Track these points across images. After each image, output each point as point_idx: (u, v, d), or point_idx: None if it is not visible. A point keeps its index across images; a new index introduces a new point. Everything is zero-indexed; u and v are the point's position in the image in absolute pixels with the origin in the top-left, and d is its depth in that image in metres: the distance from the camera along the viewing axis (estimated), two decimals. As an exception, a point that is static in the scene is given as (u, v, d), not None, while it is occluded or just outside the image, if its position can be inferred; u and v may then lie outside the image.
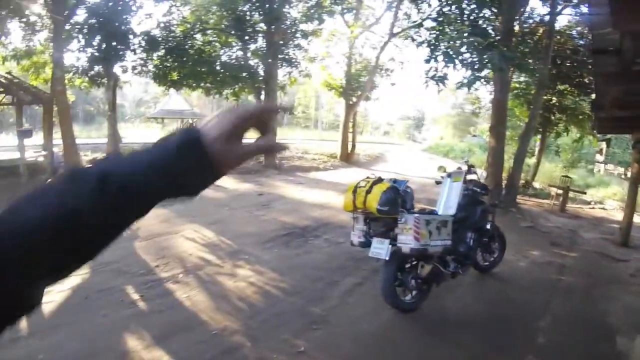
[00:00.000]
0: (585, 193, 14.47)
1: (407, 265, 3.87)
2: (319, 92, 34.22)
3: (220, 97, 15.43)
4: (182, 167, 0.50)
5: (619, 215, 11.12)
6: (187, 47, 12.93)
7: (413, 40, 11.88)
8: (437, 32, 8.40)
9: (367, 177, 3.96)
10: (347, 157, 17.34)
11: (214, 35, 14.02)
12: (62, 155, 9.41)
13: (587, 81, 12.31)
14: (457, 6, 8.29)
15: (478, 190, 4.74)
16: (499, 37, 8.26)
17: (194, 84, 13.51)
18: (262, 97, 13.74)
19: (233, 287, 4.25)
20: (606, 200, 14.56)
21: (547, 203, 12.03)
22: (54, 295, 3.77)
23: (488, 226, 4.88)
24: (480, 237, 4.77)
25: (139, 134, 19.24)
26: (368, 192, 3.69)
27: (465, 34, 7.84)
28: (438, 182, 4.98)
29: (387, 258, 3.64)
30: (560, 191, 11.74)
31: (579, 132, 15.06)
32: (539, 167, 16.18)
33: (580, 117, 13.53)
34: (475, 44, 7.46)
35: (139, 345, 3.09)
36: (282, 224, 6.93)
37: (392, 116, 60.37)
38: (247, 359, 3.01)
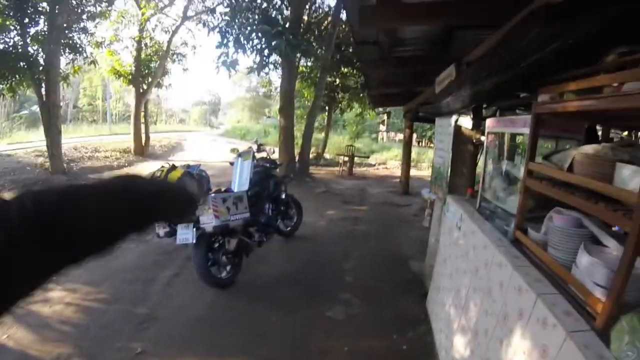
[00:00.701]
0: (368, 157, 17.06)
1: (216, 245, 4.10)
2: (107, 81, 30.34)
3: (-6, 93, 12.24)
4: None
5: (399, 172, 13.71)
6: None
7: (204, 25, 11.76)
8: (229, 19, 8.56)
9: (162, 167, 4.05)
10: (142, 150, 16.09)
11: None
12: None
13: (365, 65, 14.28)
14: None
15: (268, 165, 5.27)
16: (287, 25, 8.82)
17: (-42, 80, 10.28)
18: (43, 90, 11.49)
19: (51, 312, 3.72)
20: (389, 162, 17.29)
21: (338, 170, 13.68)
22: None
23: (283, 196, 5.49)
24: (278, 206, 5.40)
25: None
26: None
27: (255, 22, 8.25)
28: (232, 163, 5.22)
29: (194, 241, 3.82)
30: (346, 158, 13.62)
31: (360, 108, 17.18)
32: (328, 140, 18.04)
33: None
34: (264, 31, 7.91)
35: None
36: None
37: (186, 102, 58.61)
38: (89, 378, 2.77)
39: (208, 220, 3.78)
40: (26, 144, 16.61)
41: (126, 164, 14.32)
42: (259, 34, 8.19)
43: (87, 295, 4.11)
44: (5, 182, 10.09)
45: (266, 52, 8.61)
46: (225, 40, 8.38)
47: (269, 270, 4.69)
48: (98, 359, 3.02)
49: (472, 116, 3.28)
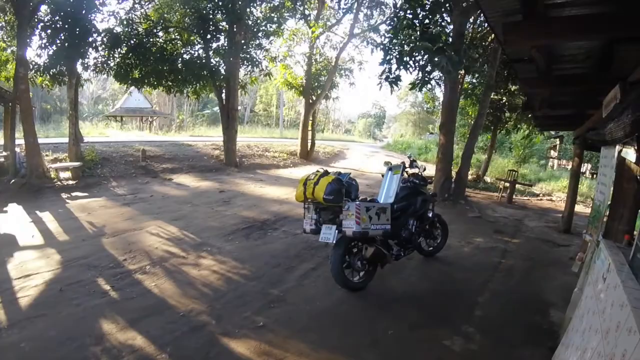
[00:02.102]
0: (532, 185, 15.27)
1: (354, 249, 4.33)
2: (279, 91, 34.39)
3: (182, 95, 15.43)
4: None
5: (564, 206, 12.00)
6: (149, 45, 12.84)
7: (368, 43, 12.30)
8: (391, 36, 8.78)
9: (316, 171, 4.39)
10: (307, 155, 17.73)
11: (176, 34, 13.99)
12: (24, 155, 9.20)
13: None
14: (412, 12, 8.57)
15: (418, 182, 5.23)
16: (449, 42, 8.65)
17: (155, 82, 13.38)
18: (223, 95, 13.87)
19: (197, 275, 4.56)
20: (555, 193, 15.29)
21: (496, 196, 12.62)
22: (28, 290, 3.95)
23: (429, 214, 5.37)
24: (422, 224, 5.27)
25: (98, 133, 18.73)
26: (316, 183, 4.13)
27: (416, 39, 8.30)
28: (384, 176, 5.41)
29: (334, 242, 4.12)
30: (507, 184, 12.47)
31: (528, 130, 15.74)
32: (490, 162, 16.87)
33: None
34: (425, 48, 7.88)
35: (114, 328, 3.34)
36: (243, 218, 7.23)
37: (353, 114, 61.28)
38: (213, 334, 3.32)
39: (349, 225, 4.06)
40: (205, 137, 20.03)
41: (291, 165, 15.98)
42: (420, 52, 8.17)
43: (232, 269, 4.84)
44: (183, 166, 12.37)
45: (428, 68, 8.53)
46: (388, 57, 8.58)
47: (399, 285, 4.72)
48: (224, 321, 3.57)
49: (636, 147, 2.75)
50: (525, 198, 13.75)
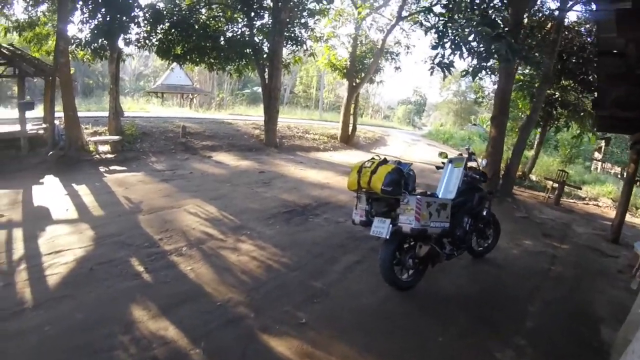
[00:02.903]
0: (580, 188, 14.50)
1: (406, 245, 4.01)
2: (320, 72, 33.96)
3: (224, 72, 15.33)
4: None
5: (612, 213, 11.24)
6: (192, 21, 12.73)
7: (422, 25, 11.71)
8: (446, 19, 8.26)
9: (373, 158, 4.06)
10: (347, 139, 17.36)
11: (220, 10, 13.80)
12: (63, 128, 9.31)
13: (591, 79, 12.19)
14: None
15: (477, 177, 4.84)
16: (507, 29, 8.13)
17: (198, 59, 13.34)
18: (266, 74, 13.64)
19: (236, 260, 4.36)
20: (600, 198, 14.57)
21: (543, 196, 12.09)
22: (57, 268, 3.86)
23: (484, 213, 5.03)
24: (476, 222, 4.92)
25: (139, 108, 19.02)
26: (373, 172, 3.80)
27: (474, 23, 7.76)
28: (438, 168, 5.10)
29: (387, 237, 3.79)
30: (556, 185, 11.80)
31: (579, 129, 14.97)
32: (537, 160, 16.18)
33: (582, 114, 13.47)
34: (484, 33, 7.37)
35: (145, 316, 3.18)
36: (283, 201, 7.03)
37: (393, 100, 60.14)
38: (251, 328, 3.12)
39: (407, 220, 3.74)
40: (245, 116, 19.98)
41: (331, 149, 15.72)
42: (478, 36, 7.65)
43: (272, 256, 4.62)
44: (223, 144, 12.29)
45: (484, 55, 8.01)
46: (442, 41, 8.10)
47: (448, 286, 4.47)
48: (264, 315, 3.34)
49: None
50: (572, 201, 13.12)
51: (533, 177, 15.63)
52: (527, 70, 13.03)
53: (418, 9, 15.87)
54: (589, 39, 12.31)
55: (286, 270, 4.25)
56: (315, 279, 4.11)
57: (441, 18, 8.60)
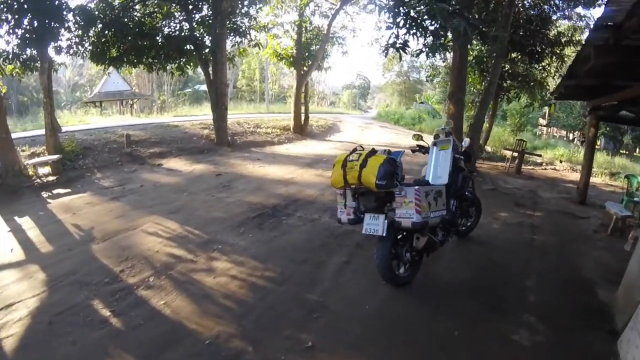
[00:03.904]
0: (540, 155, 15.17)
1: (399, 236, 3.73)
2: (263, 64, 33.16)
3: (165, 72, 14.37)
4: None
5: (570, 176, 11.70)
6: (126, 20, 11.75)
7: (375, 5, 11.42)
8: (399, -2, 8.03)
9: (357, 150, 3.68)
10: (301, 129, 17.00)
11: (155, 6, 12.82)
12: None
13: (538, 49, 12.61)
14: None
15: (460, 157, 4.63)
16: (461, 5, 8.04)
17: (135, 60, 12.30)
18: (210, 70, 12.87)
19: (214, 284, 3.83)
20: (555, 162, 15.26)
21: (502, 165, 12.42)
22: (11, 328, 3.14)
23: (467, 193, 4.90)
24: (461, 203, 4.80)
25: (78, 121, 17.49)
26: (362, 165, 3.43)
27: (427, 0, 7.58)
28: (414, 151, 4.88)
29: (384, 234, 3.47)
30: (515, 154, 12.12)
31: (529, 98, 15.49)
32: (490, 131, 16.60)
33: (532, 84, 13.89)
34: (441, 10, 7.21)
35: (124, 373, 2.60)
36: (249, 204, 6.51)
37: (337, 86, 60.55)
38: (255, 367, 2.66)
39: (406, 214, 3.45)
40: (191, 117, 19.04)
41: (286, 141, 15.20)
42: (435, 14, 7.47)
43: (253, 271, 4.13)
44: (172, 149, 11.50)
45: (441, 32, 7.87)
46: (395, 20, 7.86)
47: (443, 274, 4.31)
48: (263, 345, 2.89)
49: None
50: (530, 167, 13.60)
51: (488, 148, 16.06)
52: (479, 46, 13.24)
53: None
54: (532, 12, 12.67)
55: (273, 286, 3.79)
56: (307, 291, 3.70)
57: (393, -4, 8.35)
